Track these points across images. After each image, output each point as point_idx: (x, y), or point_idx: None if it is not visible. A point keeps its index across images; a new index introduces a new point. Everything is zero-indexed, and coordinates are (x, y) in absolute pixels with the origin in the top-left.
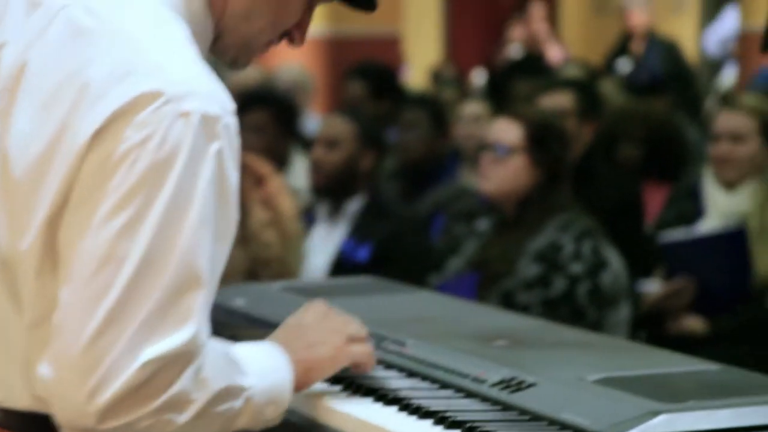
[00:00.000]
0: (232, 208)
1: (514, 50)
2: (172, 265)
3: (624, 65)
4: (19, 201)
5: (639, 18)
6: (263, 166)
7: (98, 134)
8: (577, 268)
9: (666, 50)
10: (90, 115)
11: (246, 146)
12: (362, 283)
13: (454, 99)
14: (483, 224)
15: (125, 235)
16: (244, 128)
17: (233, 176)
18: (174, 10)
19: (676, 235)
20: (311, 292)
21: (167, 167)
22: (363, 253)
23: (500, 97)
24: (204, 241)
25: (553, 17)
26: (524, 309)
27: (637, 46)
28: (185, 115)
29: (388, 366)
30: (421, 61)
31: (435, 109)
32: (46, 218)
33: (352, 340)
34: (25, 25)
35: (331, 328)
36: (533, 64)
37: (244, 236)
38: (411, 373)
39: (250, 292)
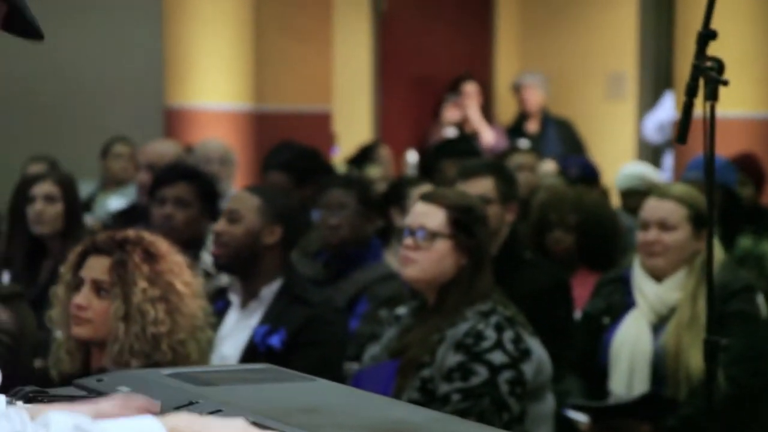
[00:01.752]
0: None
1: (449, 133)
2: None
3: (523, 145)
4: None
5: (534, 98)
6: (162, 244)
7: None
8: (498, 357)
9: (561, 129)
10: None
11: (167, 218)
12: (257, 370)
13: (381, 179)
14: (404, 310)
15: None
16: (168, 200)
17: None
18: None
19: (583, 402)
20: (201, 379)
21: None
22: (276, 340)
23: (430, 178)
24: None
25: (487, 96)
26: (444, 399)
27: (533, 126)
28: None
29: None
30: (351, 140)
31: (362, 190)
32: None
33: None
34: None
35: (239, 429)
36: (461, 146)
37: (128, 312)
38: None
39: (134, 379)
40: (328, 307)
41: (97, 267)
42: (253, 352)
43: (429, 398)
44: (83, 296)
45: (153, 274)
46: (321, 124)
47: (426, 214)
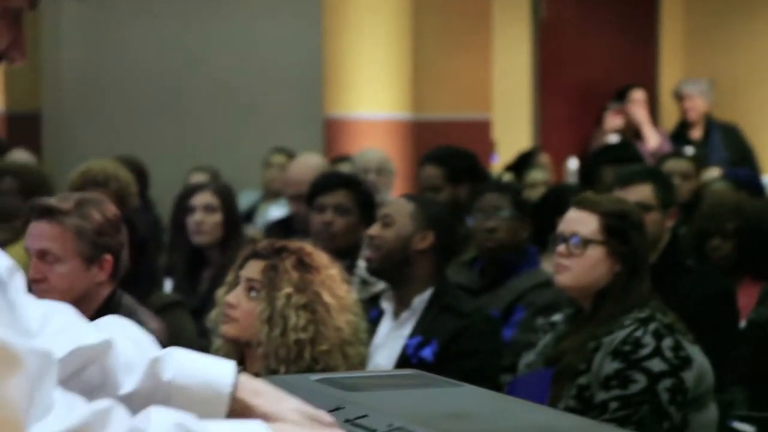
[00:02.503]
0: None
1: (612, 140)
2: None
3: (689, 152)
4: None
5: (696, 105)
6: (321, 257)
7: None
8: (657, 365)
9: (726, 134)
10: None
11: (326, 226)
12: (405, 375)
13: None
14: (559, 317)
15: None
16: (327, 208)
17: None
18: None
19: (750, 412)
20: (348, 384)
21: None
22: (428, 353)
23: (591, 185)
24: None
25: (651, 104)
26: (601, 407)
27: (696, 132)
28: None
29: None
30: (510, 148)
31: (517, 195)
32: None
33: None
34: None
35: None
36: (621, 152)
37: (271, 315)
38: None
39: (282, 384)
40: (480, 317)
41: (252, 268)
42: (405, 364)
43: (586, 406)
44: (235, 295)
45: (301, 283)
46: (480, 132)
47: (579, 221)
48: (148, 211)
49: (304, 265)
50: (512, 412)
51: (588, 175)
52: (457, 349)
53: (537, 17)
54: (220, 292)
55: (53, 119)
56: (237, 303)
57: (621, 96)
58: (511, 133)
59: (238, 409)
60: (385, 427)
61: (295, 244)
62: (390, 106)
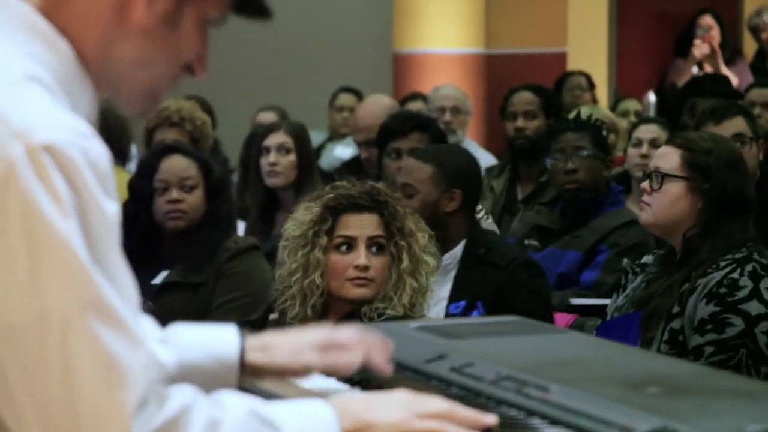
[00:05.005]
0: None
1: (695, 72)
2: None
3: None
4: None
5: None
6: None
7: None
8: (755, 307)
9: None
10: None
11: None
12: (505, 322)
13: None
14: (650, 258)
15: None
16: (403, 153)
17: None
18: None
19: None
20: (449, 332)
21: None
22: (475, 315)
23: (671, 120)
24: None
25: (733, 32)
26: (696, 351)
27: None
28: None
29: (530, 413)
30: None
31: (597, 133)
32: None
33: (423, 416)
34: None
35: (403, 403)
36: (708, 85)
37: (415, 267)
38: (554, 421)
39: (383, 331)
40: (518, 266)
41: (366, 224)
42: None
43: (680, 350)
44: (361, 256)
45: (416, 227)
46: (556, 65)
47: (663, 156)
48: (217, 152)
49: (404, 208)
50: (619, 358)
51: (672, 108)
52: (503, 307)
53: None
54: (316, 254)
55: None
56: (368, 263)
57: (691, 23)
58: (587, 67)
59: (252, 371)
60: (492, 375)
61: (382, 188)
62: (461, 40)
